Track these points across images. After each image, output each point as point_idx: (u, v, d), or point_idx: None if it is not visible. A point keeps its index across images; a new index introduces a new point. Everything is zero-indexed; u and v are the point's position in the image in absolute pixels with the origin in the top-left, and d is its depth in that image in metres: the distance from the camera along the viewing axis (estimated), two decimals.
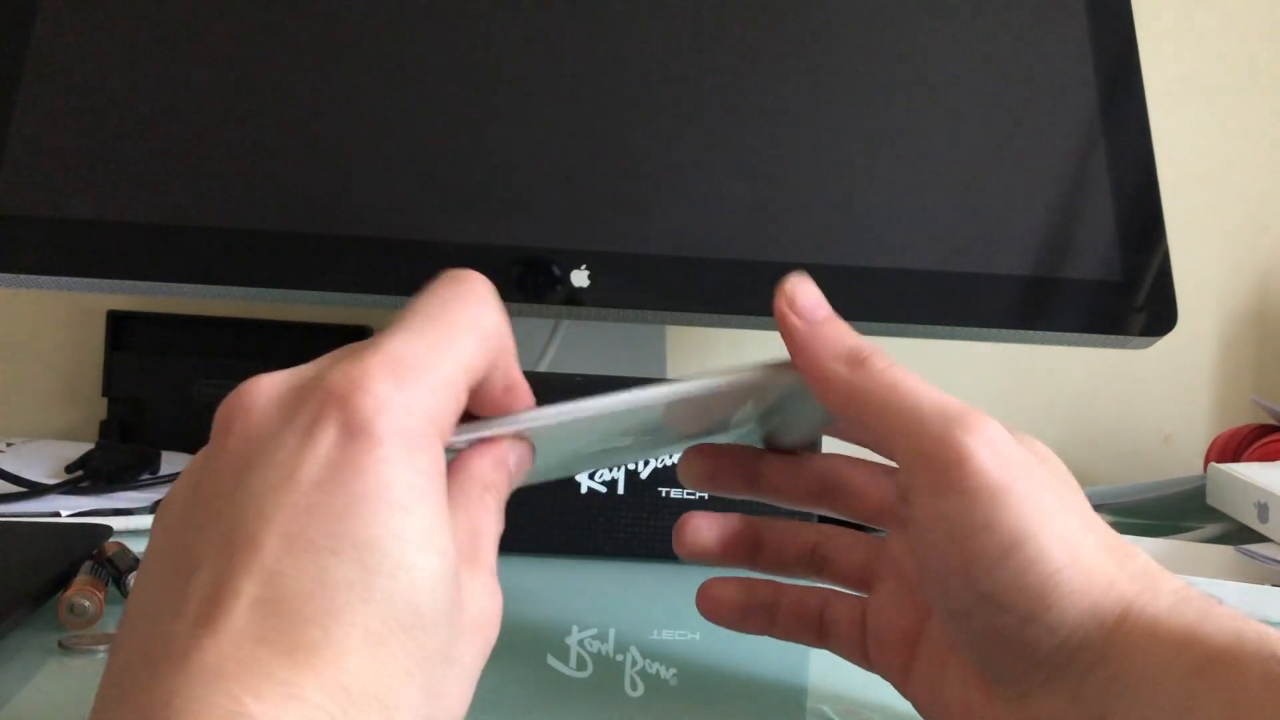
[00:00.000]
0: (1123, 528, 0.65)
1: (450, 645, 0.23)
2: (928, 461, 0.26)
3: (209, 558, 0.21)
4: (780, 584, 0.33)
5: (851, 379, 0.28)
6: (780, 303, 0.30)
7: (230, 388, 0.24)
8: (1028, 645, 0.25)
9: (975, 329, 0.51)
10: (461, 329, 0.25)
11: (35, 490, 0.54)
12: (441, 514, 0.22)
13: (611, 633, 0.39)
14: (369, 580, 0.21)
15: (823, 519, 0.34)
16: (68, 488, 0.56)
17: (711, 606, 0.33)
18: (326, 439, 0.22)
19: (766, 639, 0.34)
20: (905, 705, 0.31)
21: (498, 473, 0.27)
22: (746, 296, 0.50)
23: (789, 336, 0.29)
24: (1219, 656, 0.24)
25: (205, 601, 0.20)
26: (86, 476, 0.58)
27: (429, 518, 0.22)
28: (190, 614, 0.20)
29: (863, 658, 0.32)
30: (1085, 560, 0.25)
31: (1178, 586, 0.26)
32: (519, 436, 0.27)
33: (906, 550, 0.31)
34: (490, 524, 0.26)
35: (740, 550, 0.34)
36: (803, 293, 0.30)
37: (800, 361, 0.29)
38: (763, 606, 0.33)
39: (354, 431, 0.22)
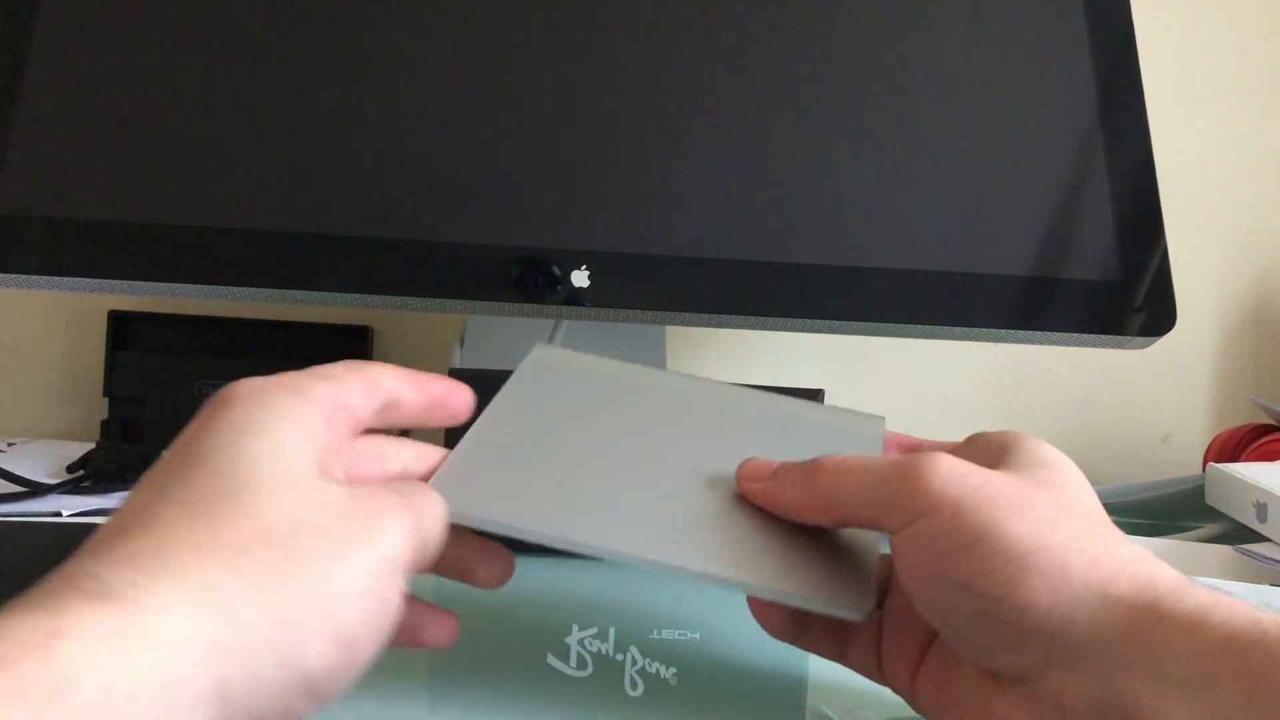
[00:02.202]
0: (1122, 527, 0.65)
1: (302, 512, 0.25)
2: (894, 500, 0.29)
3: None
4: None
5: (814, 482, 0.31)
6: (742, 485, 0.33)
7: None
8: (1005, 625, 0.27)
9: (975, 329, 0.51)
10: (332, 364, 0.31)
11: (36, 490, 0.54)
12: (291, 427, 0.27)
13: (611, 633, 0.39)
14: (195, 468, 0.25)
15: None
16: (69, 487, 0.56)
17: (766, 618, 0.35)
18: (210, 402, 0.28)
19: (766, 638, 0.34)
20: (904, 705, 0.31)
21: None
22: (746, 296, 0.50)
23: (759, 498, 0.32)
24: (1237, 636, 0.25)
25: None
26: (87, 476, 0.58)
27: (269, 421, 0.26)
28: None
29: (877, 671, 0.33)
30: (1054, 546, 0.27)
31: (1180, 575, 0.28)
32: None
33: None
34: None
35: None
36: (750, 465, 0.33)
37: (774, 505, 0.32)
38: (799, 617, 0.35)
39: (227, 393, 0.28)
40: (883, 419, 0.39)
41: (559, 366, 0.38)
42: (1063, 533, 0.28)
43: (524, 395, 0.36)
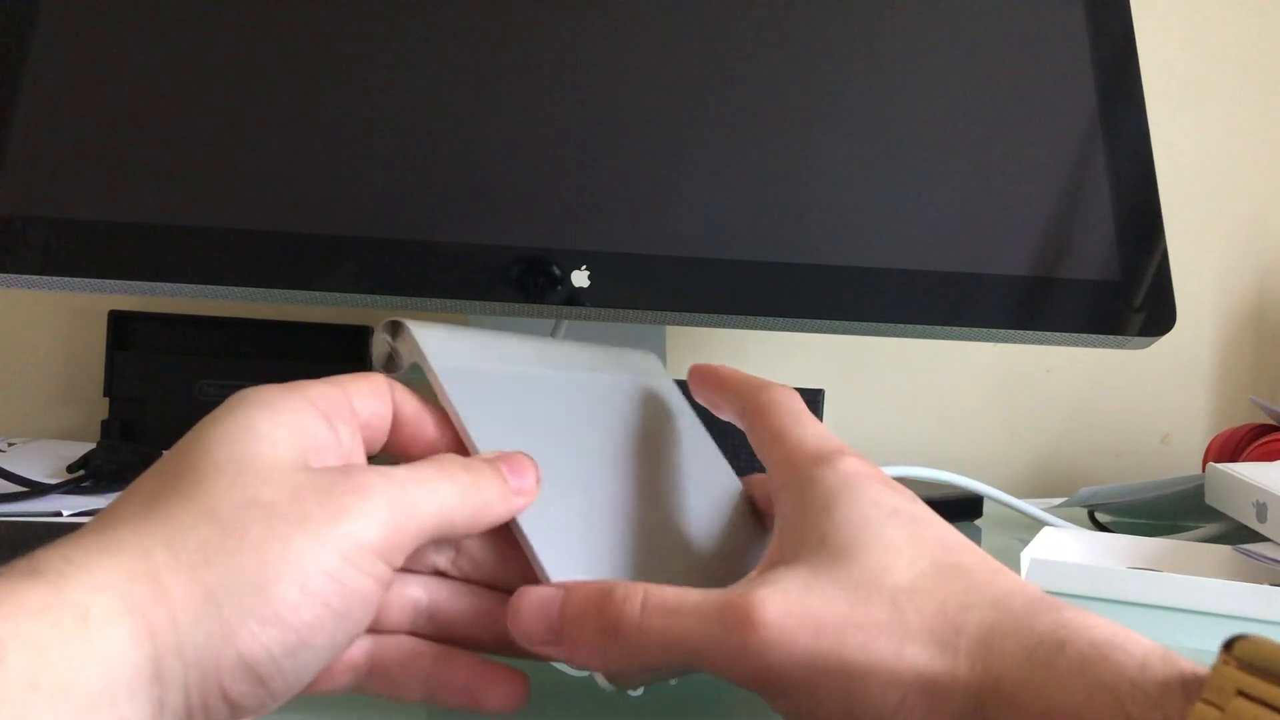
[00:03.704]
0: (1122, 527, 0.65)
1: (254, 490, 0.24)
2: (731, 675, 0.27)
3: None
4: None
5: (622, 645, 0.28)
6: (522, 642, 0.29)
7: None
8: None
9: (975, 329, 0.51)
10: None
11: (37, 490, 0.54)
12: (276, 417, 0.26)
13: None
14: (168, 461, 0.25)
15: None
16: (69, 487, 0.56)
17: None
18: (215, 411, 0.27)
19: None
20: None
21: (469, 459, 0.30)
22: (746, 296, 0.50)
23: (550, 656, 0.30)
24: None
25: None
26: (88, 476, 0.58)
27: (254, 415, 0.26)
28: None
29: None
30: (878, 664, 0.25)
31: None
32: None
33: None
34: (419, 464, 0.28)
35: None
36: (525, 617, 0.29)
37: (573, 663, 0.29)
38: None
39: (231, 400, 0.27)
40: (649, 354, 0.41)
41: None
42: (881, 648, 0.24)
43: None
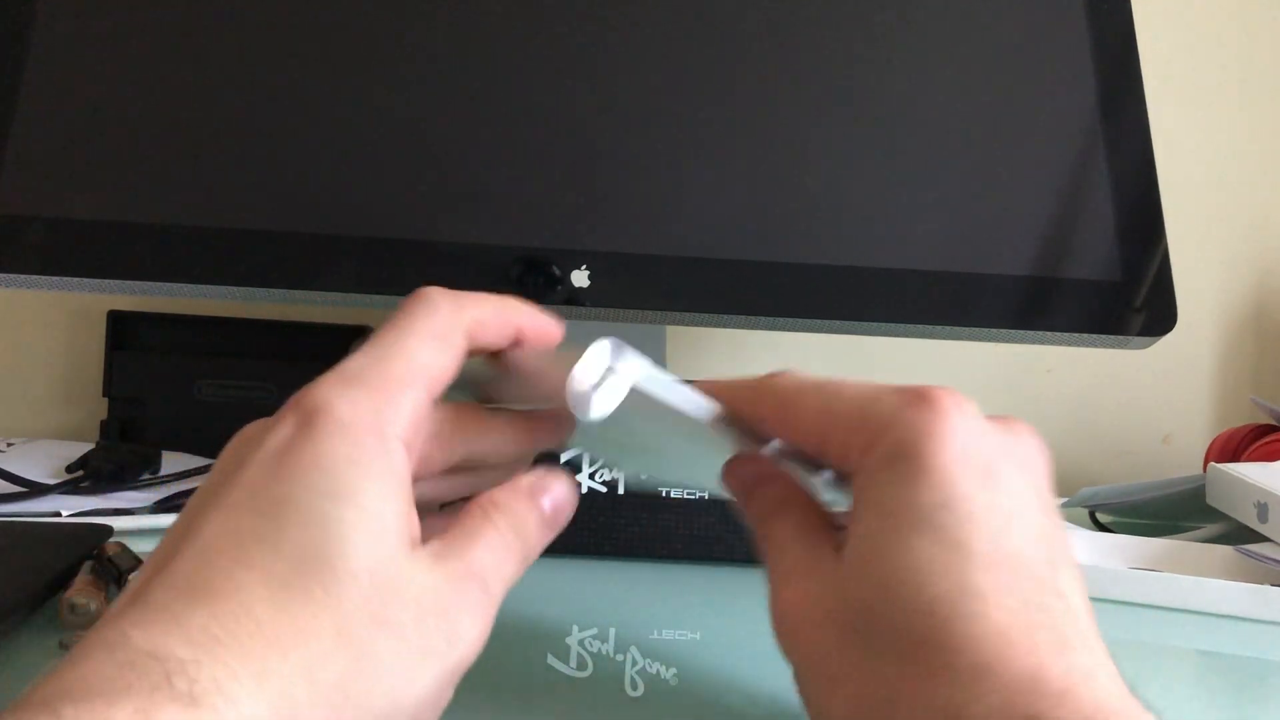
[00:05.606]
0: (1123, 528, 0.65)
1: (382, 609, 0.23)
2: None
3: (165, 548, 0.24)
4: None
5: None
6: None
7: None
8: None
9: (975, 329, 0.51)
10: (407, 337, 0.27)
11: (36, 490, 0.54)
12: (378, 486, 0.24)
13: (611, 633, 0.39)
14: (281, 532, 0.23)
15: None
16: (68, 487, 0.56)
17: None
18: (283, 430, 0.25)
19: (766, 638, 0.34)
20: None
21: (517, 501, 0.28)
22: (746, 296, 0.50)
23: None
24: None
25: (140, 581, 0.23)
26: (87, 476, 0.58)
27: (357, 482, 0.24)
28: (126, 594, 0.23)
29: None
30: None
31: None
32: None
33: None
34: (490, 538, 0.27)
35: None
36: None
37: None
38: None
39: (304, 420, 0.25)
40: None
41: None
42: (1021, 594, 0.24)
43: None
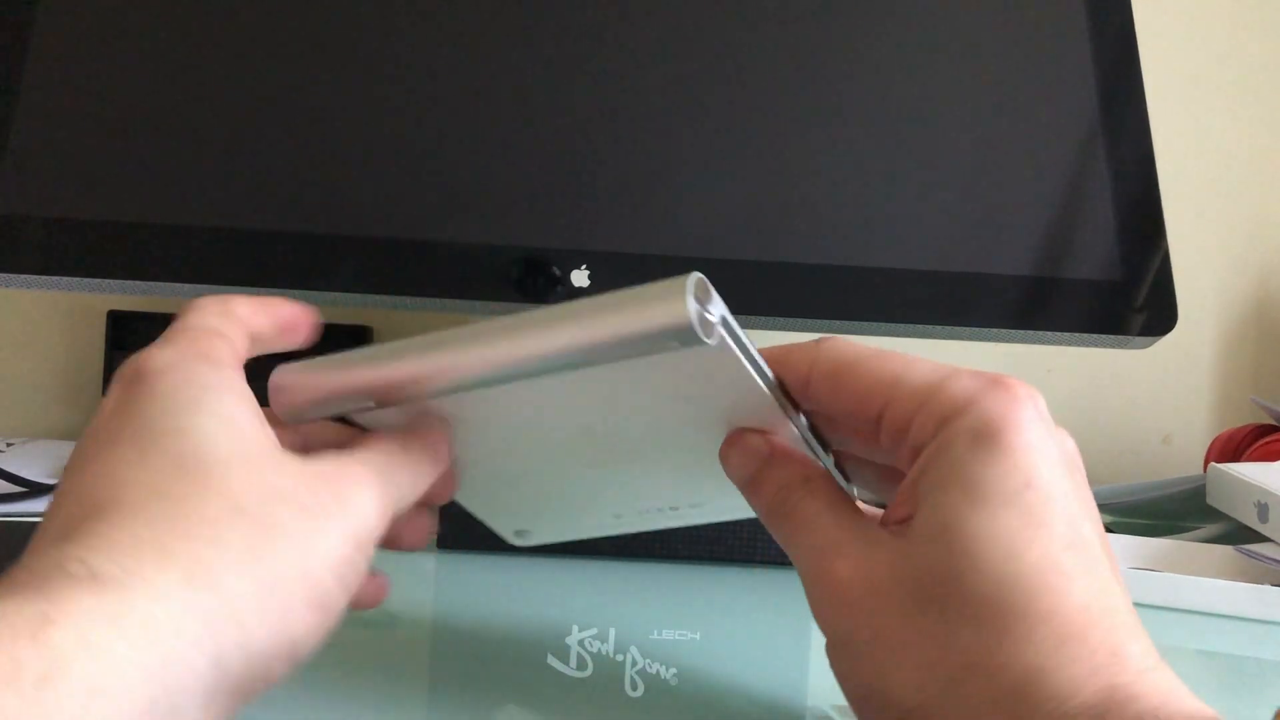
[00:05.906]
0: (1123, 528, 0.65)
1: (271, 483, 0.25)
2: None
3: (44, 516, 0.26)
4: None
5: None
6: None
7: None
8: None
9: (975, 329, 0.51)
10: (189, 316, 0.31)
11: (35, 490, 0.54)
12: (221, 397, 0.26)
13: (611, 633, 0.39)
14: (144, 457, 0.24)
15: None
16: None
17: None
18: (113, 395, 0.27)
19: (766, 638, 0.34)
20: None
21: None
22: (746, 296, 0.50)
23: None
24: None
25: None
26: None
27: (197, 398, 0.26)
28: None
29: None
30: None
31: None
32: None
33: None
34: (367, 442, 0.29)
35: None
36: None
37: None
38: None
39: (128, 381, 0.27)
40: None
41: None
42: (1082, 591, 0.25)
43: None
